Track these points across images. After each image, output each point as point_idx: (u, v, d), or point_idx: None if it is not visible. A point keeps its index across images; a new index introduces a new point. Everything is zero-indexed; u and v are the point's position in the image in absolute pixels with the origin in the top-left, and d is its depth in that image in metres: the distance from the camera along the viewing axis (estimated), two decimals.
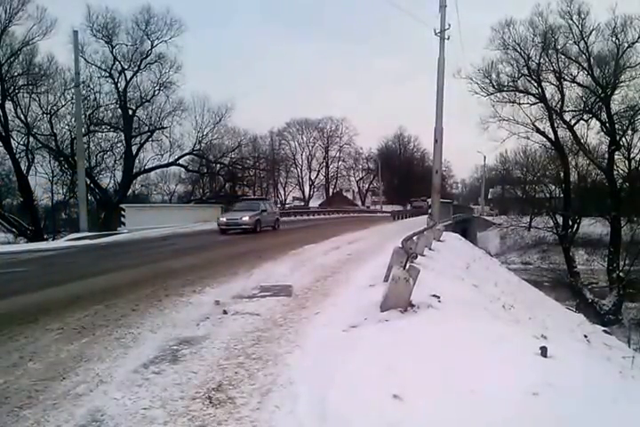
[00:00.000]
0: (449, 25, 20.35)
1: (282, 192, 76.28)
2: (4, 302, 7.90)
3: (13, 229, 33.96)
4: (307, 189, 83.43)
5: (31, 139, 34.41)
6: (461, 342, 5.10)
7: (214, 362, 4.89)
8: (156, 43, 37.56)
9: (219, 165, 43.67)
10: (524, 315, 10.83)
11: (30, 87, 33.45)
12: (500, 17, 51.12)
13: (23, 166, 34.05)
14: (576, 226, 37.54)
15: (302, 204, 75.69)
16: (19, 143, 34.03)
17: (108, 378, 4.47)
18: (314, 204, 76.25)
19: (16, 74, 32.90)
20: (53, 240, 28.33)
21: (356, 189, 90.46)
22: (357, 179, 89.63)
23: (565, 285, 32.99)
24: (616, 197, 34.17)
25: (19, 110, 33.36)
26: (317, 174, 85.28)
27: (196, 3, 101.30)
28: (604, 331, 16.12)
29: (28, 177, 34.36)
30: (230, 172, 44.42)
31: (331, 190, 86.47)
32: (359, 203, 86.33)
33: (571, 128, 36.84)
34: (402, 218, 41.18)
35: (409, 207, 61.10)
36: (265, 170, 54.12)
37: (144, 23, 37.25)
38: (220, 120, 42.88)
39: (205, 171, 44.14)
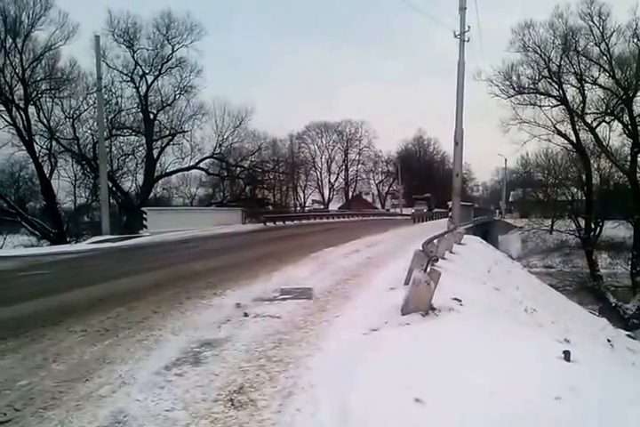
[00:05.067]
0: (468, 27, 20.29)
1: (301, 195, 76.17)
2: (28, 304, 7.99)
3: (36, 232, 34.34)
4: (326, 192, 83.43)
5: (54, 143, 34.84)
6: (483, 345, 5.07)
7: (236, 364, 4.89)
8: (176, 47, 37.90)
9: (239, 169, 43.84)
10: (546, 319, 10.74)
11: (53, 92, 33.92)
12: (519, 19, 50.82)
13: (46, 170, 34.50)
14: (599, 229, 37.14)
15: (322, 207, 75.58)
16: (42, 147, 34.50)
17: (131, 380, 4.49)
18: (333, 207, 76.03)
19: (39, 78, 33.39)
20: (76, 243, 28.60)
21: (376, 192, 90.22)
22: (377, 182, 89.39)
23: (588, 288, 32.63)
24: (639, 200, 33.70)
25: (42, 114, 33.83)
26: (337, 177, 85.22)
27: (210, 6, 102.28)
28: (628, 335, 15.96)
29: (51, 180, 34.83)
30: (250, 175, 44.59)
31: (350, 193, 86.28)
32: (379, 206, 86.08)
33: (592, 130, 36.47)
34: (422, 221, 40.98)
35: (412, 211, 55.30)
36: (285, 173, 54.14)
37: (165, 28, 37.60)
38: (240, 124, 43.11)
39: (226, 174, 44.28)
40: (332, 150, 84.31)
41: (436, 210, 54.73)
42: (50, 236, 33.74)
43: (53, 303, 7.99)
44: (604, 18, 33.70)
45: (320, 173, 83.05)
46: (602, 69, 35.01)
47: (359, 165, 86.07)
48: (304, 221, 37.50)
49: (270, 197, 53.57)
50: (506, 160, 66.84)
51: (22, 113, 32.30)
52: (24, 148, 33.11)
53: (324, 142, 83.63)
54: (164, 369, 4.75)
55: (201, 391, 4.23)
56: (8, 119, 32.01)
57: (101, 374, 4.64)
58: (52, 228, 34.20)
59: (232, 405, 3.97)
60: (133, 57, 37.34)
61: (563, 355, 4.66)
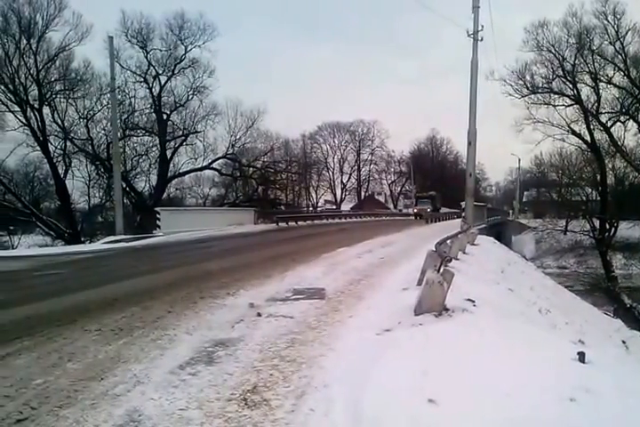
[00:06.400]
0: (482, 26, 20.16)
1: (314, 195, 76.16)
2: (44, 303, 8.06)
3: (51, 232, 34.58)
4: (338, 192, 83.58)
5: (68, 143, 34.99)
6: (497, 346, 5.05)
7: (249, 364, 4.91)
8: (189, 48, 38.01)
9: (251, 169, 43.88)
10: (560, 320, 10.68)
11: (67, 92, 34.06)
12: (531, 18, 50.61)
13: (60, 170, 34.74)
14: (613, 229, 36.89)
15: (334, 207, 75.64)
16: (56, 147, 34.70)
17: (145, 379, 4.52)
18: (345, 207, 76.05)
19: (53, 79, 33.58)
20: (90, 243, 28.82)
21: (388, 193, 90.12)
22: (389, 182, 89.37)
23: (603, 289, 32.38)
24: None
25: (56, 115, 33.99)
26: (349, 178, 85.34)
27: (222, 6, 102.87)
28: None
29: (66, 181, 35.06)
30: (263, 175, 44.61)
31: (362, 194, 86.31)
32: (391, 206, 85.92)
33: (607, 130, 36.27)
34: (435, 221, 40.83)
35: (415, 210, 54.62)
36: (297, 173, 54.12)
37: (178, 28, 37.72)
38: (252, 124, 43.12)
39: (238, 174, 44.32)
40: (344, 150, 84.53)
41: (446, 210, 54.15)
42: (64, 236, 33.96)
43: (68, 303, 8.05)
44: (618, 16, 33.56)
45: (332, 173, 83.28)
46: (617, 68, 34.84)
47: (371, 165, 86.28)
48: (316, 222, 37.57)
49: (283, 197, 53.55)
50: (519, 160, 66.42)
51: (37, 113, 32.52)
52: (38, 148, 33.36)
53: (337, 142, 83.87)
54: (178, 368, 4.77)
55: (215, 391, 4.24)
56: (23, 120, 32.28)
57: (116, 373, 4.67)
58: (66, 228, 34.40)
59: (246, 404, 3.98)
60: (147, 57, 37.51)
61: (577, 356, 4.63)
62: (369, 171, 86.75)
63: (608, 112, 36.65)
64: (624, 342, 12.64)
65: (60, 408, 3.95)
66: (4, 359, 5.15)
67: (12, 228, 38.68)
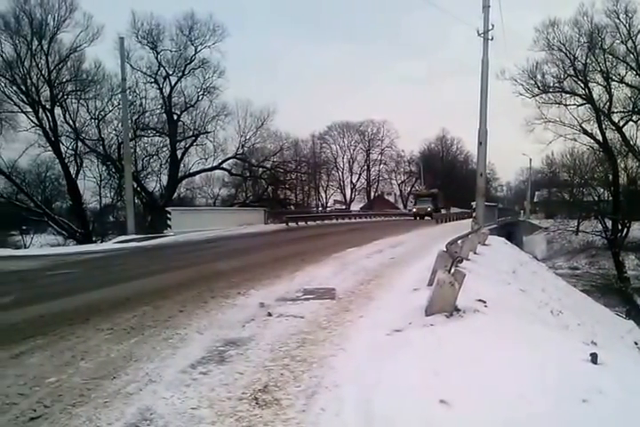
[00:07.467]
0: (492, 25, 20.08)
1: (323, 195, 76.17)
2: (56, 302, 8.12)
3: (63, 232, 34.90)
4: (348, 192, 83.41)
5: (79, 143, 35.43)
6: (508, 347, 5.03)
7: (260, 363, 4.90)
8: (199, 48, 38.29)
9: (261, 169, 44.07)
10: (572, 321, 10.63)
11: (78, 93, 34.51)
12: (541, 17, 50.37)
13: (72, 170, 35.10)
14: (626, 230, 36.63)
15: (344, 207, 75.49)
16: (68, 148, 35.16)
17: (157, 378, 4.53)
18: (355, 207, 75.83)
19: (65, 80, 34.01)
20: (102, 242, 28.97)
21: (398, 193, 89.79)
22: (399, 182, 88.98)
23: (615, 290, 32.16)
24: None
25: (67, 116, 34.43)
26: (359, 178, 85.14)
27: (230, 6, 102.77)
28: None
29: (77, 181, 35.44)
30: (272, 175, 44.81)
31: (372, 194, 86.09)
32: (401, 206, 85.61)
33: (619, 129, 36.05)
34: (445, 221, 40.65)
35: (414, 210, 52.55)
36: (306, 173, 54.22)
37: (188, 29, 38.00)
38: (262, 124, 43.36)
39: (248, 174, 44.53)
40: (353, 150, 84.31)
41: (456, 210, 53.49)
42: (76, 235, 34.24)
43: (80, 302, 8.09)
44: (630, 15, 33.37)
45: (342, 173, 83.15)
46: (628, 67, 34.65)
47: (381, 165, 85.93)
48: (326, 222, 37.59)
49: (292, 197, 53.72)
50: (530, 160, 66.14)
51: (48, 114, 32.87)
52: (50, 148, 33.75)
53: (346, 142, 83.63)
54: (190, 367, 4.78)
55: (226, 390, 4.24)
56: (35, 120, 32.70)
57: (128, 372, 4.69)
58: (78, 227, 34.70)
59: (257, 403, 3.98)
60: (157, 58, 37.79)
61: (590, 357, 4.61)
62: (378, 171, 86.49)
63: (620, 111, 36.48)
64: (636, 343, 12.59)
65: (73, 406, 3.97)
66: (18, 358, 5.18)
67: (24, 227, 39.05)
